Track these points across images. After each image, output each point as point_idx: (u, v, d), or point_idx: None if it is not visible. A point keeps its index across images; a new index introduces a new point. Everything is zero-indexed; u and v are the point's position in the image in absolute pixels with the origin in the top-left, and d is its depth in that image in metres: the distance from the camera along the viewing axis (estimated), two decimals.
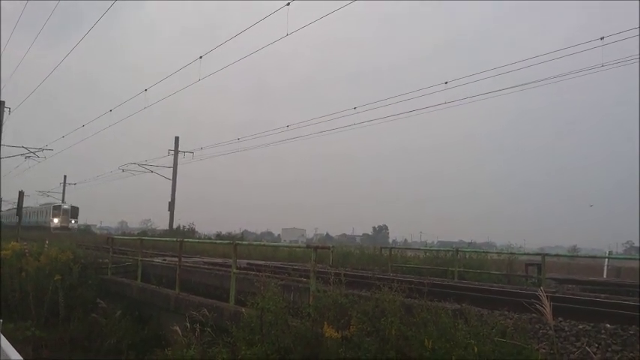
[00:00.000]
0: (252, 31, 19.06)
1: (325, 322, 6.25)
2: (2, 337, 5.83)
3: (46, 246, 18.49)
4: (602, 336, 6.71)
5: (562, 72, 18.78)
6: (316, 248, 8.70)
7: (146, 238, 18.88)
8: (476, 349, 4.98)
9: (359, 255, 21.66)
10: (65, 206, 65.94)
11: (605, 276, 17.62)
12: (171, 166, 46.66)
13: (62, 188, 74.88)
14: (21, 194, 25.44)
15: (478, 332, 5.35)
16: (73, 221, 64.81)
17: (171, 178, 46.22)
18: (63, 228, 59.96)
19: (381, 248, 21.56)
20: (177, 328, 8.40)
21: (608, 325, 7.04)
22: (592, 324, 7.11)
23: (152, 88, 29.12)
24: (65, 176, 74.80)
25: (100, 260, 17.84)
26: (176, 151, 46.57)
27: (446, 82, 21.87)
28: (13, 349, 5.10)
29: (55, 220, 62.65)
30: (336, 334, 6.01)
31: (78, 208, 67.30)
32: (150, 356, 9.96)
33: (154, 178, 48.56)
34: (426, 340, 5.34)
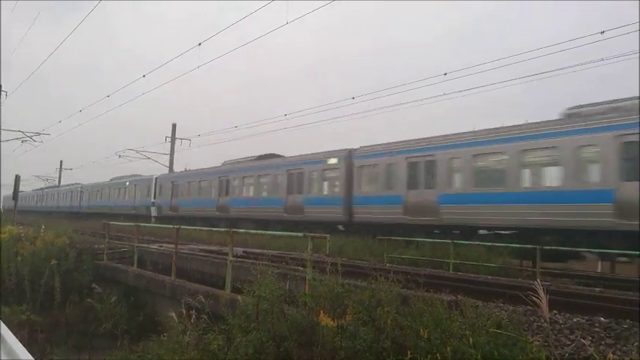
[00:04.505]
0: (251, 18, 18.97)
1: (321, 311, 6.25)
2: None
3: (42, 230, 18.48)
4: (596, 329, 6.76)
5: None
6: (313, 237, 8.67)
7: (143, 224, 18.85)
8: (471, 340, 4.99)
9: (355, 245, 21.63)
10: None
11: (599, 269, 17.66)
12: (168, 153, 46.64)
13: (58, 173, 74.94)
14: (17, 178, 25.43)
15: (473, 323, 5.36)
16: None
17: (168, 165, 46.21)
18: None
19: (378, 239, 21.53)
20: (173, 314, 8.40)
21: (602, 319, 7.10)
22: (586, 317, 7.17)
23: (150, 74, 28.86)
24: (61, 161, 74.56)
25: (96, 246, 17.84)
26: (173, 138, 46.50)
27: (445, 74, 21.85)
28: (10, 332, 5.11)
29: None
30: (332, 322, 6.02)
31: None
32: (145, 341, 9.97)
33: (150, 165, 48.38)
34: (421, 329, 5.36)
